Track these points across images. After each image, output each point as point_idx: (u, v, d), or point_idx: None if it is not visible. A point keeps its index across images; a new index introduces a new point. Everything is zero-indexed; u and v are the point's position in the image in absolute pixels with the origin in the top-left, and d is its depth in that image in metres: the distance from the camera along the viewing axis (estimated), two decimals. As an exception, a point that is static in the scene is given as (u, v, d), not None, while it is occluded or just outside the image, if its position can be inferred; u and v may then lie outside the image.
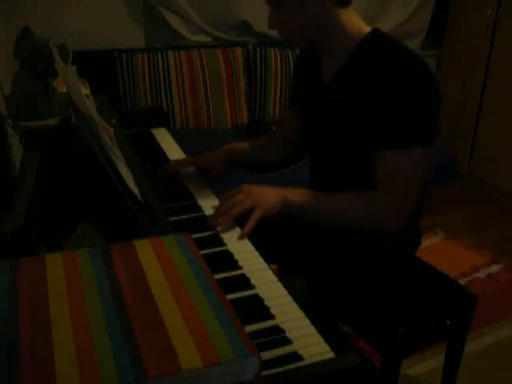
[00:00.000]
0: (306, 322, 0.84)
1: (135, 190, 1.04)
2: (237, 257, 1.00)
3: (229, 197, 1.12)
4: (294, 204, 1.13)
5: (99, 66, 2.38)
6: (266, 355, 0.75)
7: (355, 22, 1.12)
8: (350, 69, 1.13)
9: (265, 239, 1.08)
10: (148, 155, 1.46)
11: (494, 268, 2.33)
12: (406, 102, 1.05)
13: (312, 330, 0.82)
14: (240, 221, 1.10)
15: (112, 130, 1.31)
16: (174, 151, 1.50)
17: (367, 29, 1.12)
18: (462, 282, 2.11)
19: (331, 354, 0.77)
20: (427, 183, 1.25)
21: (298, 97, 1.35)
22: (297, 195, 1.14)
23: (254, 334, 0.79)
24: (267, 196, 1.12)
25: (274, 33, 2.82)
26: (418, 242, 1.38)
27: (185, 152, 1.51)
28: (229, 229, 1.08)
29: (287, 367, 0.73)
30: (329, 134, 1.21)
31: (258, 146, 1.43)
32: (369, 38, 1.11)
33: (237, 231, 1.08)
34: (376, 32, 1.13)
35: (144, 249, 0.81)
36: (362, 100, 1.10)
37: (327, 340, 0.79)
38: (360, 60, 1.11)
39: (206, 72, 2.61)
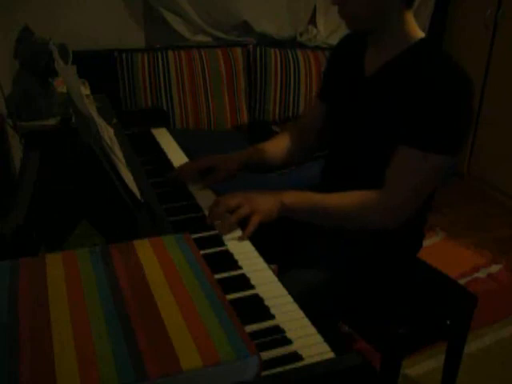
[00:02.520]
0: (306, 321, 0.84)
1: (135, 190, 1.04)
2: (237, 257, 1.00)
3: (225, 201, 1.12)
4: (291, 207, 1.14)
5: (99, 66, 2.38)
6: (266, 355, 0.75)
7: (413, 24, 1.15)
8: (396, 66, 1.15)
9: (265, 239, 1.08)
10: (148, 155, 1.46)
11: (494, 268, 2.33)
12: (441, 110, 1.05)
13: (312, 329, 0.82)
14: (239, 224, 1.10)
15: (112, 129, 1.31)
16: (173, 151, 1.50)
17: (422, 34, 1.16)
18: (462, 281, 2.11)
19: (331, 354, 0.77)
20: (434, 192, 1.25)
21: (331, 86, 1.34)
22: (293, 197, 1.15)
23: (254, 334, 0.79)
24: (264, 201, 1.12)
25: (274, 33, 2.86)
26: (419, 245, 1.38)
27: (185, 152, 1.51)
28: (229, 233, 1.08)
29: (287, 367, 0.73)
30: (359, 126, 1.21)
31: (273, 146, 1.41)
32: (422, 42, 1.14)
33: (237, 232, 1.08)
34: (430, 39, 1.15)
35: (144, 249, 0.82)
36: (401, 98, 1.11)
37: (327, 340, 0.79)
38: (409, 60, 1.13)
39: (206, 72, 2.61)
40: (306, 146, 1.44)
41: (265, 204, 1.12)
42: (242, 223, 1.09)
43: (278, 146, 1.41)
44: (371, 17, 1.12)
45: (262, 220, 1.10)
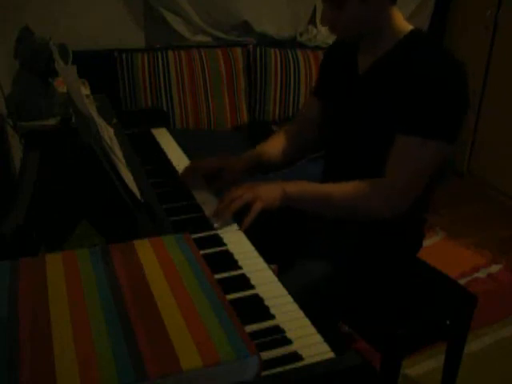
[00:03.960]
0: (306, 321, 0.84)
1: (135, 190, 1.04)
2: (237, 257, 1.00)
3: (229, 195, 1.12)
4: (293, 196, 1.15)
5: (99, 66, 2.38)
6: (266, 355, 0.75)
7: (401, 19, 1.17)
8: (388, 60, 1.16)
9: (265, 239, 1.08)
10: (148, 155, 1.46)
11: (494, 268, 2.33)
12: (435, 95, 1.07)
13: (312, 329, 0.82)
14: (241, 217, 1.10)
15: (112, 129, 1.31)
16: (173, 151, 1.50)
17: (409, 27, 1.17)
18: (462, 282, 2.11)
19: (331, 354, 0.77)
20: (433, 188, 1.25)
21: (326, 85, 1.35)
22: (296, 186, 1.17)
23: (254, 334, 0.79)
24: (267, 190, 1.13)
25: (274, 33, 2.85)
26: (419, 245, 1.38)
27: (185, 152, 1.51)
28: (227, 223, 1.09)
29: (287, 367, 0.73)
30: (356, 124, 1.22)
31: (273, 146, 1.41)
32: (411, 36, 1.15)
33: (236, 231, 1.08)
34: (418, 31, 1.17)
35: (144, 249, 0.82)
36: (395, 90, 1.12)
37: (327, 340, 0.79)
38: (400, 53, 1.14)
39: (206, 72, 2.61)
40: (306, 142, 1.44)
41: (267, 192, 1.13)
42: (242, 216, 1.09)
43: (278, 146, 1.41)
44: (362, 28, 1.14)
45: (264, 207, 1.10)
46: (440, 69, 1.07)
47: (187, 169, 1.31)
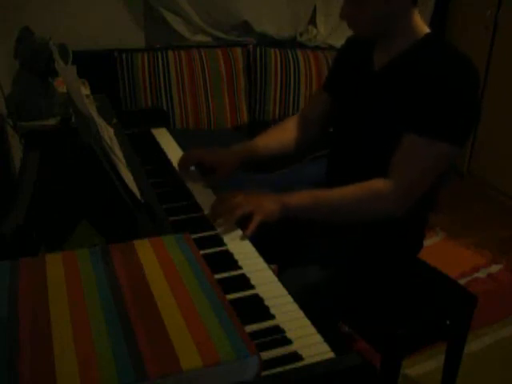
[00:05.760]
0: (306, 321, 0.84)
1: (135, 190, 1.04)
2: (237, 257, 1.00)
3: (228, 199, 1.12)
4: (293, 208, 1.14)
5: (99, 66, 2.38)
6: (266, 355, 0.75)
7: (419, 21, 1.17)
8: (404, 60, 1.16)
9: (265, 239, 1.08)
10: (148, 155, 1.46)
11: (494, 268, 2.33)
12: (446, 98, 1.07)
13: (312, 329, 0.82)
14: (239, 224, 1.10)
15: (112, 129, 1.31)
16: (173, 151, 1.50)
17: (427, 29, 1.17)
18: (462, 281, 2.11)
19: (331, 354, 0.77)
20: (437, 190, 1.26)
21: (339, 80, 1.35)
22: (295, 197, 1.15)
23: (254, 334, 0.79)
24: (266, 203, 1.12)
25: (274, 33, 2.85)
26: (420, 245, 1.38)
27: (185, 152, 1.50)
28: (230, 229, 1.08)
29: (287, 367, 0.73)
30: (367, 120, 1.22)
31: (274, 139, 1.41)
32: (428, 37, 1.16)
33: (237, 232, 1.08)
34: (435, 34, 1.17)
35: (144, 249, 0.81)
36: (409, 90, 1.12)
37: (327, 340, 0.79)
38: (416, 54, 1.15)
39: (206, 72, 2.61)
40: (309, 137, 1.43)
41: (267, 204, 1.12)
42: (241, 225, 1.09)
43: (280, 139, 1.41)
44: (382, 27, 1.15)
45: (264, 219, 1.10)
46: (455, 73, 1.07)
47: (181, 159, 1.33)
